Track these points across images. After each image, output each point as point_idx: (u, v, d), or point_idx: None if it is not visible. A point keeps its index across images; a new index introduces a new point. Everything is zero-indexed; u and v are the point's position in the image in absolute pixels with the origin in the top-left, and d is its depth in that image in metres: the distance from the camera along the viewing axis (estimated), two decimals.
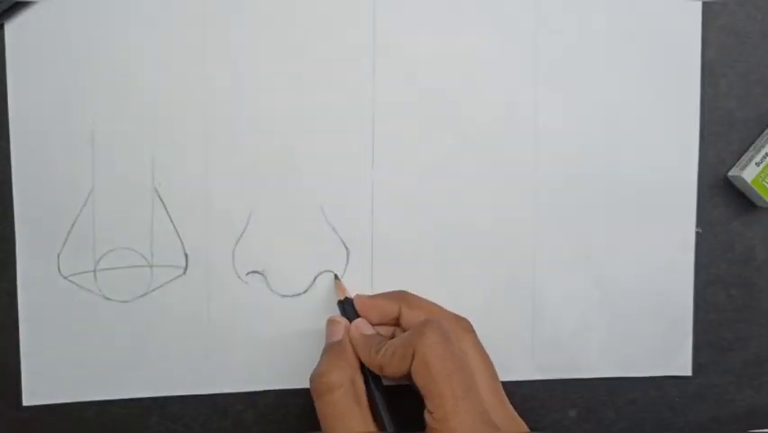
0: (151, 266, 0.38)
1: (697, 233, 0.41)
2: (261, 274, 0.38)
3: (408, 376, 0.33)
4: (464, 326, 0.37)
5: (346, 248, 0.39)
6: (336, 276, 0.39)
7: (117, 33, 0.37)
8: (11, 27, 0.36)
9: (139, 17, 0.37)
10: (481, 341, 0.37)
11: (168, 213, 0.38)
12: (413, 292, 0.38)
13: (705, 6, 0.41)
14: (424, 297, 0.38)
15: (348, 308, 0.37)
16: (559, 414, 0.41)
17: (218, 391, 0.39)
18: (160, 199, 0.38)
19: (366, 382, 0.35)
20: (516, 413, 0.35)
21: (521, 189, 0.40)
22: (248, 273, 0.38)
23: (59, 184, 0.37)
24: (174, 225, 0.38)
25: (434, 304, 0.37)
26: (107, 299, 0.37)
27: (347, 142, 0.39)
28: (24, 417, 0.37)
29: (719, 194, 0.41)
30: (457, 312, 0.37)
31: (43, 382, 0.37)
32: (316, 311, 0.39)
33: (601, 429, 0.42)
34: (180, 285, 0.38)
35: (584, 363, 0.41)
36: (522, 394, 0.41)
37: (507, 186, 0.40)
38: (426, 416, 0.33)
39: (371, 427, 0.34)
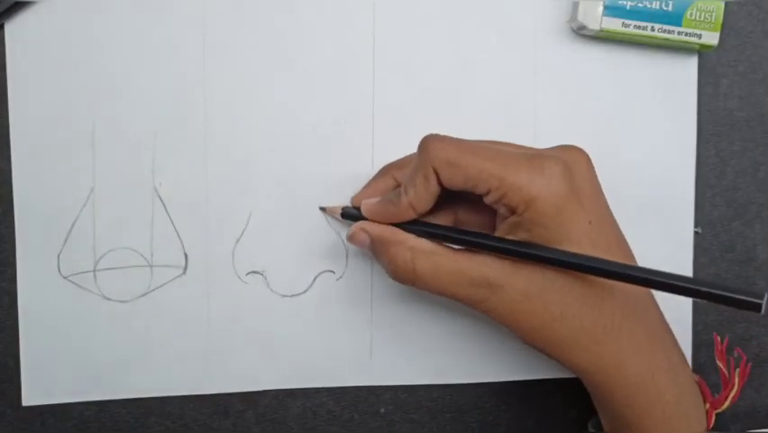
0: (151, 266, 0.38)
1: (696, 233, 0.41)
2: (261, 274, 0.38)
3: (442, 192, 0.33)
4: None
5: (346, 248, 0.39)
6: (321, 208, 0.38)
7: (117, 33, 0.37)
8: (11, 27, 0.36)
9: (139, 17, 0.37)
10: (481, 341, 0.37)
11: (168, 213, 0.38)
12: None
13: None
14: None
15: (352, 214, 0.37)
16: (559, 414, 0.41)
17: (218, 391, 0.39)
18: (160, 199, 0.38)
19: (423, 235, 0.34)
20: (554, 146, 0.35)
21: None
22: (248, 273, 0.38)
23: (59, 184, 0.37)
24: (174, 225, 0.38)
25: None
26: (107, 299, 0.38)
27: (347, 142, 0.39)
28: (24, 417, 0.38)
29: (720, 194, 0.41)
30: (457, 312, 0.38)
31: (43, 382, 0.37)
32: (316, 311, 0.39)
33: (601, 429, 0.42)
34: (180, 285, 0.38)
35: None
36: (522, 394, 0.41)
37: None
38: (489, 200, 0.32)
39: (466, 255, 0.33)
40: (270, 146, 0.38)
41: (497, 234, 0.33)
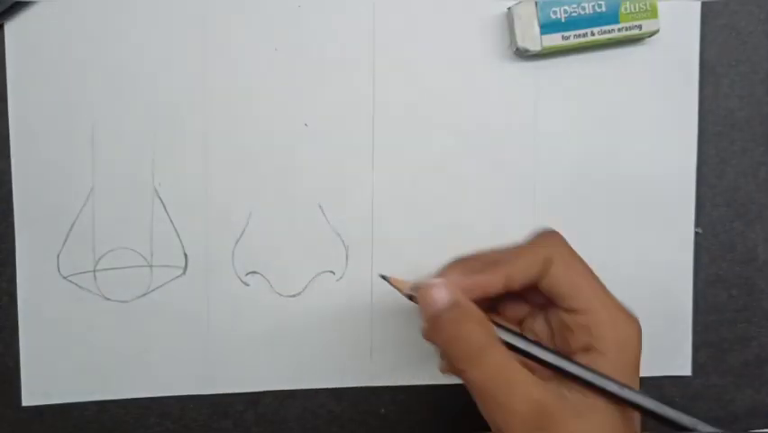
0: (151, 266, 0.38)
1: (697, 233, 0.41)
2: (261, 274, 0.38)
3: (530, 283, 0.31)
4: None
5: (346, 248, 0.39)
6: (384, 277, 0.34)
7: (117, 33, 0.37)
8: (11, 27, 0.36)
9: (139, 17, 0.37)
10: None
11: (167, 213, 0.38)
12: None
13: (706, 5, 0.40)
14: None
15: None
16: None
17: (218, 391, 0.39)
18: (160, 199, 0.38)
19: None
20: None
21: (521, 190, 0.40)
22: (247, 273, 0.38)
23: (59, 184, 0.37)
24: (174, 226, 0.38)
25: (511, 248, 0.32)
26: (107, 299, 0.38)
27: (347, 143, 0.39)
28: (24, 417, 0.38)
29: (721, 194, 0.41)
30: None
31: (43, 383, 0.37)
32: (316, 311, 0.39)
33: None
34: (180, 285, 0.38)
35: None
36: None
37: (507, 186, 0.40)
38: (563, 316, 0.31)
39: (543, 374, 0.31)
40: (270, 146, 0.38)
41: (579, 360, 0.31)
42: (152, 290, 0.38)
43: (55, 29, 0.37)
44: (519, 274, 0.31)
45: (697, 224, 0.41)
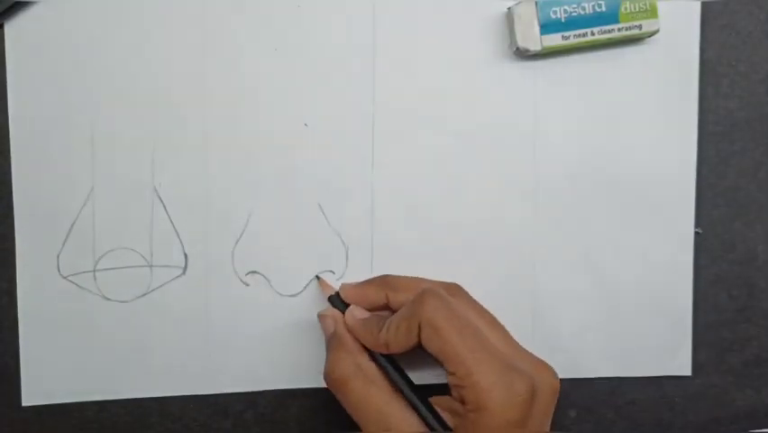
0: (151, 266, 0.38)
1: (697, 233, 0.41)
2: (261, 274, 0.38)
3: (416, 347, 0.34)
4: (454, 290, 0.36)
5: (346, 248, 0.39)
6: (318, 277, 0.39)
7: (117, 33, 0.37)
8: (11, 27, 0.36)
9: (139, 17, 0.37)
10: None
11: (167, 213, 0.38)
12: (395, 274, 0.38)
13: (706, 6, 0.40)
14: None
15: (337, 302, 0.37)
16: (559, 414, 0.41)
17: (218, 391, 0.39)
18: (160, 199, 0.38)
19: (376, 363, 0.35)
20: (533, 355, 0.35)
21: (521, 189, 0.40)
22: (247, 273, 0.38)
23: (59, 184, 0.37)
24: (174, 226, 0.38)
25: (418, 278, 0.37)
26: (107, 299, 0.38)
27: (347, 143, 0.39)
28: (24, 417, 0.38)
29: (721, 194, 0.41)
30: None
31: (43, 383, 0.37)
32: (316, 311, 0.39)
33: (601, 429, 0.41)
34: (180, 285, 0.38)
35: (584, 363, 0.41)
36: None
37: (507, 186, 0.40)
38: (449, 378, 0.33)
39: (396, 401, 0.34)
40: (270, 146, 0.38)
41: (438, 403, 0.34)
42: (152, 290, 0.38)
43: (55, 29, 0.37)
44: (395, 344, 0.34)
45: (697, 224, 0.41)
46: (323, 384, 0.39)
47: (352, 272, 0.39)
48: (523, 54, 0.38)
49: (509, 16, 0.38)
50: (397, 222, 0.39)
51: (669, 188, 0.41)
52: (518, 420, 0.31)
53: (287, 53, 0.38)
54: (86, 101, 0.37)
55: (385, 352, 0.35)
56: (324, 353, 0.36)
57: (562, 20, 0.37)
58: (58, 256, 0.37)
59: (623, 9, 0.37)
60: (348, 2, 0.38)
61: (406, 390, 0.35)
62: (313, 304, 0.39)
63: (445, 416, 0.34)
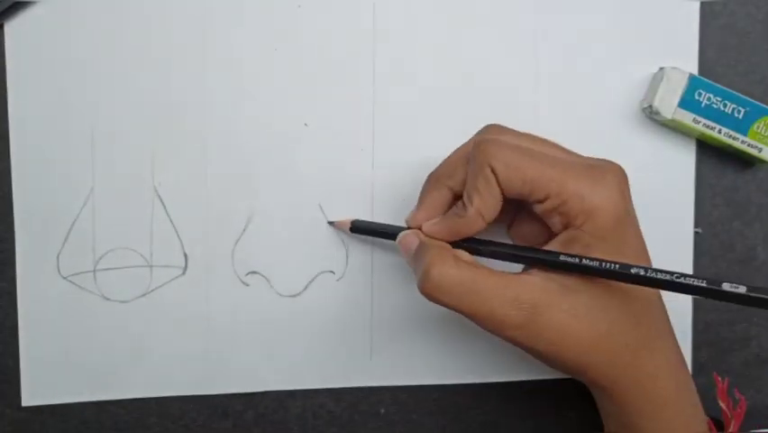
0: (151, 266, 0.38)
1: (696, 233, 0.41)
2: (261, 274, 0.38)
3: (502, 199, 0.32)
4: (494, 129, 0.34)
5: (346, 248, 0.39)
6: (330, 222, 0.38)
7: (117, 34, 0.37)
8: (11, 27, 0.36)
9: (138, 18, 0.37)
10: (482, 341, 0.37)
11: (167, 213, 0.38)
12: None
13: (705, 6, 0.40)
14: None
15: (362, 227, 0.36)
16: (558, 414, 0.41)
17: (218, 391, 0.39)
18: (160, 199, 0.38)
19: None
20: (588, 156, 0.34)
21: None
22: (247, 273, 0.38)
23: (59, 184, 0.37)
24: (174, 226, 0.38)
25: (454, 153, 0.34)
26: (107, 299, 0.38)
27: (347, 142, 0.39)
28: (24, 417, 0.38)
29: (720, 194, 0.41)
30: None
31: (43, 383, 0.37)
32: (316, 311, 0.39)
33: (601, 429, 0.42)
34: (180, 285, 0.38)
35: None
36: (522, 394, 0.41)
37: None
38: (545, 207, 0.31)
39: (511, 274, 0.31)
40: (270, 146, 0.38)
41: (550, 248, 0.32)
42: (152, 290, 0.38)
43: (55, 29, 0.37)
44: (484, 206, 0.31)
45: (696, 224, 0.41)
46: (323, 384, 0.39)
47: (351, 272, 0.39)
48: (648, 113, 0.39)
49: (658, 75, 0.39)
50: (397, 222, 0.39)
51: (668, 188, 0.41)
52: (625, 207, 0.31)
53: (287, 53, 0.38)
54: (86, 101, 0.37)
55: (483, 225, 0.32)
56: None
57: (702, 104, 0.38)
58: (58, 256, 0.37)
59: (755, 126, 0.38)
60: (348, 2, 0.38)
61: (525, 252, 0.32)
62: (313, 304, 0.39)
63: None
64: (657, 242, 0.41)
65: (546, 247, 0.32)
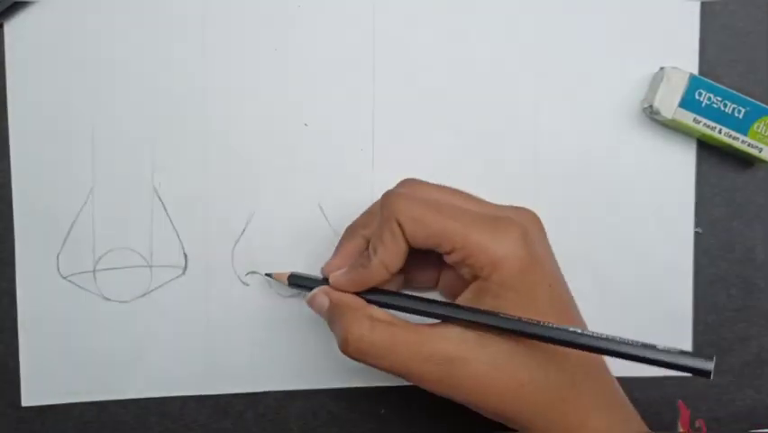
0: (151, 266, 0.38)
1: (696, 233, 0.41)
2: (261, 274, 0.38)
3: (407, 251, 0.32)
4: (406, 183, 0.35)
5: None
6: (268, 274, 0.38)
7: (117, 33, 0.37)
8: (11, 27, 0.36)
9: (139, 17, 0.37)
10: None
11: (167, 213, 0.38)
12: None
13: (705, 6, 0.40)
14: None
15: (307, 281, 0.36)
16: None
17: (218, 391, 0.39)
18: (160, 199, 0.38)
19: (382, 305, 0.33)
20: (504, 205, 0.35)
21: (521, 189, 0.40)
22: (247, 274, 0.38)
23: (59, 184, 0.37)
24: (174, 226, 0.38)
25: (370, 207, 0.36)
26: (107, 299, 0.38)
27: (347, 142, 0.39)
28: (24, 417, 0.37)
29: (720, 194, 0.41)
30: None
31: (42, 383, 0.37)
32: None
33: None
34: (180, 285, 0.38)
35: None
36: None
37: (507, 186, 0.40)
38: (450, 259, 0.31)
39: (426, 326, 0.32)
40: (270, 146, 0.38)
41: (460, 301, 0.32)
42: (152, 290, 0.38)
43: (55, 29, 0.37)
44: (389, 257, 0.32)
45: (696, 224, 0.41)
46: (323, 384, 0.39)
47: None
48: (649, 113, 0.39)
49: (658, 75, 0.39)
50: None
51: (668, 188, 0.41)
52: (530, 256, 0.31)
53: (287, 53, 0.38)
54: (86, 101, 0.37)
55: (387, 276, 0.33)
56: (331, 355, 0.36)
57: (702, 104, 0.38)
58: (57, 256, 0.37)
59: (755, 126, 0.38)
60: (348, 2, 0.38)
61: (436, 307, 0.32)
62: None
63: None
64: (657, 242, 0.41)
65: (458, 299, 0.32)
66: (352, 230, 0.36)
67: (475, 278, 0.32)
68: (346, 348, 0.31)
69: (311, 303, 0.35)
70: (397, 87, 0.39)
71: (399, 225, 0.31)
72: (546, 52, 0.40)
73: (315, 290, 0.35)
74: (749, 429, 0.43)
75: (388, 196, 0.33)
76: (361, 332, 0.31)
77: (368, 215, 0.35)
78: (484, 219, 0.31)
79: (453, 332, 0.31)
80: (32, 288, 0.37)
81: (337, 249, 0.36)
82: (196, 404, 0.39)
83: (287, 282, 0.36)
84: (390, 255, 0.32)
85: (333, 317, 0.33)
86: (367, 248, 0.34)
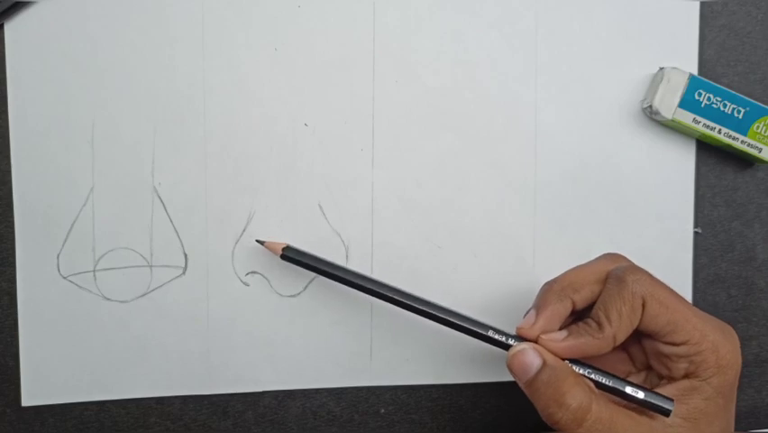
0: (151, 266, 0.38)
1: (696, 233, 0.41)
2: (261, 274, 0.38)
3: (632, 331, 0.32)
4: (630, 264, 0.34)
5: (346, 248, 0.39)
6: (258, 240, 0.37)
7: (117, 33, 0.37)
8: (11, 27, 0.36)
9: (139, 17, 0.37)
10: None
11: (167, 213, 0.38)
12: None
13: (705, 6, 0.41)
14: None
15: (292, 257, 0.36)
16: None
17: (218, 391, 0.39)
18: (160, 199, 0.38)
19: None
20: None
21: (521, 189, 0.40)
22: (247, 273, 0.38)
23: (59, 184, 0.37)
24: (174, 225, 0.38)
25: (578, 268, 0.35)
26: (107, 299, 0.38)
27: (347, 142, 0.39)
28: (24, 417, 0.37)
29: (720, 194, 0.41)
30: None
31: (43, 383, 0.37)
32: (316, 311, 0.39)
33: None
34: (180, 285, 0.38)
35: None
36: (522, 394, 0.41)
37: (507, 185, 0.40)
38: (677, 350, 0.31)
39: (636, 411, 0.31)
40: (270, 146, 0.38)
41: (664, 392, 0.32)
42: (152, 290, 0.38)
43: (55, 29, 0.37)
44: (621, 332, 0.31)
45: (696, 224, 0.41)
46: (323, 384, 0.39)
47: None
48: (648, 113, 0.39)
49: (658, 75, 0.39)
50: (398, 222, 0.39)
51: (668, 188, 0.41)
52: (731, 381, 0.32)
53: (287, 53, 0.38)
54: (86, 101, 0.37)
55: (609, 349, 0.32)
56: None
57: (702, 104, 0.38)
58: (58, 256, 0.37)
59: (755, 126, 0.38)
60: (348, 2, 0.38)
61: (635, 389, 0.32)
62: (313, 304, 0.39)
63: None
64: (657, 242, 0.41)
65: (662, 392, 0.32)
66: (560, 292, 0.34)
67: (688, 375, 0.32)
68: (563, 413, 0.30)
69: (516, 357, 0.32)
70: (397, 87, 0.39)
71: (644, 304, 0.31)
72: (546, 53, 0.40)
73: (522, 346, 0.32)
74: (749, 429, 0.43)
75: (636, 272, 0.32)
76: (582, 400, 0.30)
77: (578, 279, 0.34)
78: (713, 322, 0.32)
79: (680, 425, 0.31)
80: (31, 288, 0.37)
81: (541, 309, 0.33)
82: (196, 404, 0.39)
83: (280, 253, 0.36)
84: (624, 331, 0.32)
85: (547, 378, 0.31)
86: (573, 312, 0.33)
